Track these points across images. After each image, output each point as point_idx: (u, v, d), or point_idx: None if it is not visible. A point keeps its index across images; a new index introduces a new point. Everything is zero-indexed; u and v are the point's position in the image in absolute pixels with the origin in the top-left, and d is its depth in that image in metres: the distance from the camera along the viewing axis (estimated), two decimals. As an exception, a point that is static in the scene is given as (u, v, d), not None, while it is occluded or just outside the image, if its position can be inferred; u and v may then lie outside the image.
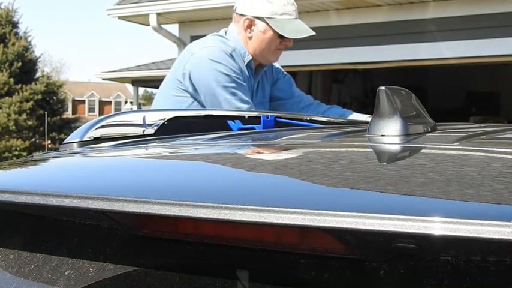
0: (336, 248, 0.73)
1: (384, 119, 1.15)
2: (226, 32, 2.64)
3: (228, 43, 2.57)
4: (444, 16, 6.82)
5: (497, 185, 0.77)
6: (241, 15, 2.58)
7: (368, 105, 10.71)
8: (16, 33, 17.64)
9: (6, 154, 15.83)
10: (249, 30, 2.57)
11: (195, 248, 0.82)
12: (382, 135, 1.15)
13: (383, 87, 1.15)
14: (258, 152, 1.23)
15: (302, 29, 2.58)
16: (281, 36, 2.56)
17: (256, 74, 2.68)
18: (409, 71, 10.03)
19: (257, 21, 2.55)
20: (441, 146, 1.10)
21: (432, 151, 1.05)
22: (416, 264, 0.69)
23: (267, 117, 1.93)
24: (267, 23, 2.54)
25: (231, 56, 2.52)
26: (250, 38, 2.57)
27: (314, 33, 2.58)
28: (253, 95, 2.64)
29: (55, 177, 1.08)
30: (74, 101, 44.13)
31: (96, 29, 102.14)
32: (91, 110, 46.42)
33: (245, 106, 2.42)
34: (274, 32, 2.55)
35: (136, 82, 14.31)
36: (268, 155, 1.17)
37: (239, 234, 0.77)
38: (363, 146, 1.18)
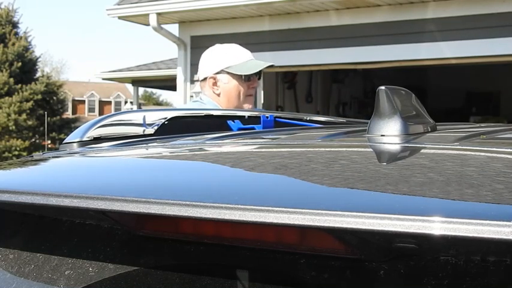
0: (336, 248, 0.73)
1: (384, 119, 1.15)
2: (201, 98, 2.82)
3: (204, 106, 2.69)
4: (444, 16, 6.82)
5: (497, 185, 0.77)
6: (204, 79, 2.74)
7: (368, 105, 10.72)
8: (16, 33, 17.63)
9: (6, 154, 15.83)
10: (215, 87, 2.72)
11: (195, 248, 0.82)
12: (382, 135, 1.15)
13: (383, 87, 1.15)
14: (258, 152, 1.23)
15: (259, 63, 2.75)
16: (246, 80, 2.69)
17: None
18: (409, 71, 10.03)
19: (219, 76, 2.70)
20: (441, 146, 1.10)
21: (432, 151, 1.05)
22: (416, 264, 0.69)
23: (267, 117, 1.93)
24: (227, 73, 2.69)
25: None
26: (218, 94, 2.72)
27: (273, 63, 2.80)
28: None
29: (55, 177, 1.08)
30: (74, 101, 44.09)
31: (97, 29, 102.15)
32: (91, 110, 46.38)
33: None
34: (237, 77, 2.69)
35: (137, 82, 14.31)
36: (268, 155, 1.17)
37: (239, 234, 0.77)
38: (363, 146, 1.18)
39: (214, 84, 2.71)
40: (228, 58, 2.70)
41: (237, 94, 2.70)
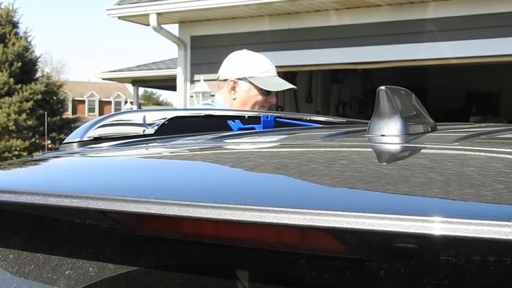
0: (336, 248, 0.73)
1: (384, 119, 1.15)
2: (212, 101, 2.82)
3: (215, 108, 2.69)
4: (444, 16, 6.82)
5: (497, 185, 0.77)
6: (225, 80, 2.72)
7: (368, 105, 10.72)
8: (16, 33, 17.65)
9: (6, 154, 15.83)
10: (233, 92, 2.70)
11: (195, 248, 0.82)
12: (382, 135, 1.15)
13: (383, 87, 1.15)
14: (258, 152, 1.23)
15: (283, 83, 2.75)
16: (265, 93, 2.69)
17: None
18: (409, 71, 10.03)
19: (240, 82, 2.69)
20: (441, 146, 1.10)
21: (432, 151, 1.05)
22: (416, 264, 0.69)
23: (267, 117, 1.93)
24: (249, 82, 2.68)
25: None
26: (234, 99, 2.70)
27: (295, 87, 2.82)
28: None
29: (55, 177, 1.08)
30: (74, 101, 44.07)
31: (97, 29, 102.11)
32: (91, 110, 46.36)
33: None
34: (258, 89, 2.68)
35: (137, 82, 14.31)
36: (268, 155, 1.17)
37: (239, 234, 0.77)
38: (363, 146, 1.18)
39: (233, 88, 2.70)
40: (255, 68, 2.69)
41: (253, 104, 2.69)
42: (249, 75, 2.67)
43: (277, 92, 2.77)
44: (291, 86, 2.76)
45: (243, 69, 2.69)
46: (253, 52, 2.80)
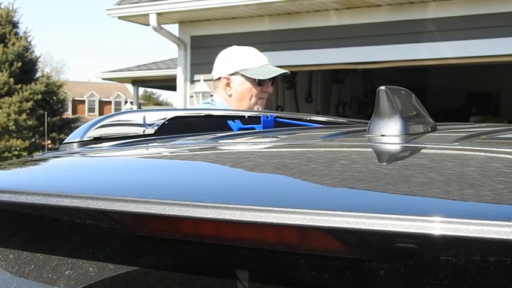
0: (336, 248, 0.73)
1: (384, 119, 1.15)
2: (212, 100, 2.86)
3: (215, 107, 2.72)
4: (444, 16, 6.82)
5: (497, 185, 0.77)
6: (218, 79, 2.76)
7: (368, 105, 10.72)
8: (16, 33, 17.64)
9: (6, 154, 15.83)
10: (228, 88, 2.74)
11: (195, 248, 0.82)
12: (382, 135, 1.15)
13: (383, 87, 1.15)
14: (258, 152, 1.23)
15: (274, 70, 2.77)
16: (259, 84, 2.71)
17: None
18: (409, 71, 10.03)
19: (233, 77, 2.73)
20: (441, 146, 1.10)
21: (432, 151, 1.05)
22: (416, 264, 0.69)
23: (267, 117, 1.93)
24: (242, 75, 2.71)
25: None
26: (230, 95, 2.74)
27: (288, 71, 2.83)
28: None
29: (55, 177, 1.08)
30: (74, 101, 44.05)
31: (97, 29, 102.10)
32: (91, 110, 46.34)
33: None
34: (251, 81, 2.71)
35: (137, 82, 14.31)
36: (268, 155, 1.17)
37: (239, 234, 0.77)
38: (363, 146, 1.18)
39: (228, 85, 2.73)
40: (244, 61, 2.71)
41: (249, 97, 2.71)
42: (240, 69, 2.70)
43: (272, 81, 2.78)
44: (283, 71, 2.78)
45: (233, 64, 2.71)
46: (242, 46, 2.82)
